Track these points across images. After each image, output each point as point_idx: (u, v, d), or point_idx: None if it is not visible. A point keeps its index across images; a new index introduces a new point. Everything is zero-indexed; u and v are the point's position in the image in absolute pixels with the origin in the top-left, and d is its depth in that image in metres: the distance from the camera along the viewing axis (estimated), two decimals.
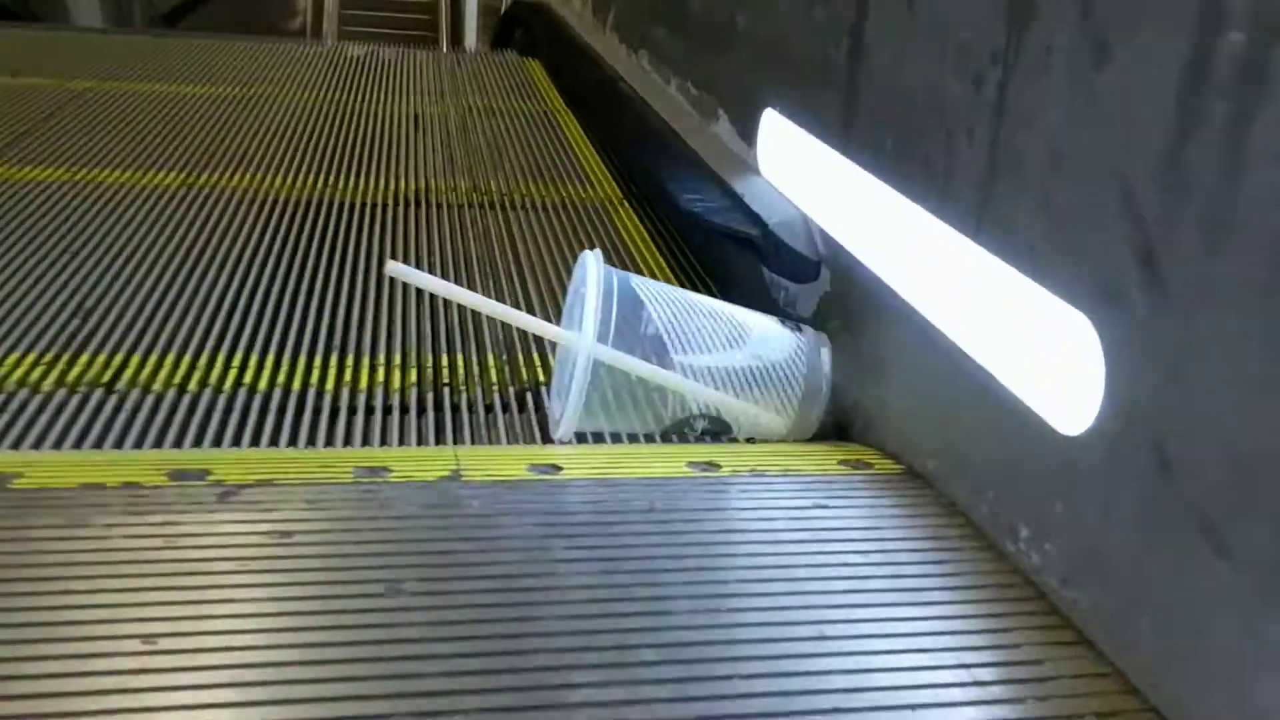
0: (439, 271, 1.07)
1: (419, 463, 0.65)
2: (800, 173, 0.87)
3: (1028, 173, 0.55)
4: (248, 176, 1.38)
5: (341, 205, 1.29)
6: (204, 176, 1.37)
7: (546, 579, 0.53)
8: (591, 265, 0.72)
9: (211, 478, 0.61)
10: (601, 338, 0.70)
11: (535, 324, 0.76)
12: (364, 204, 1.31)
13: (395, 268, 0.72)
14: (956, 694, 0.47)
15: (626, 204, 1.34)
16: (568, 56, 2.01)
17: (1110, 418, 0.49)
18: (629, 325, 0.71)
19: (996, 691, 0.48)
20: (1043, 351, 0.54)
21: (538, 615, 0.50)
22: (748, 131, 0.98)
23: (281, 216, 1.24)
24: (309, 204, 1.29)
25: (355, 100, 1.88)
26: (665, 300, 0.73)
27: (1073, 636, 0.52)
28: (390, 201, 1.32)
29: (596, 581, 0.53)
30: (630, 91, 1.43)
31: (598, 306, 0.70)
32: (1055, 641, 0.51)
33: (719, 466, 0.67)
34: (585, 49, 1.88)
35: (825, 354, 0.76)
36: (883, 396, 0.71)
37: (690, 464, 0.67)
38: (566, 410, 0.70)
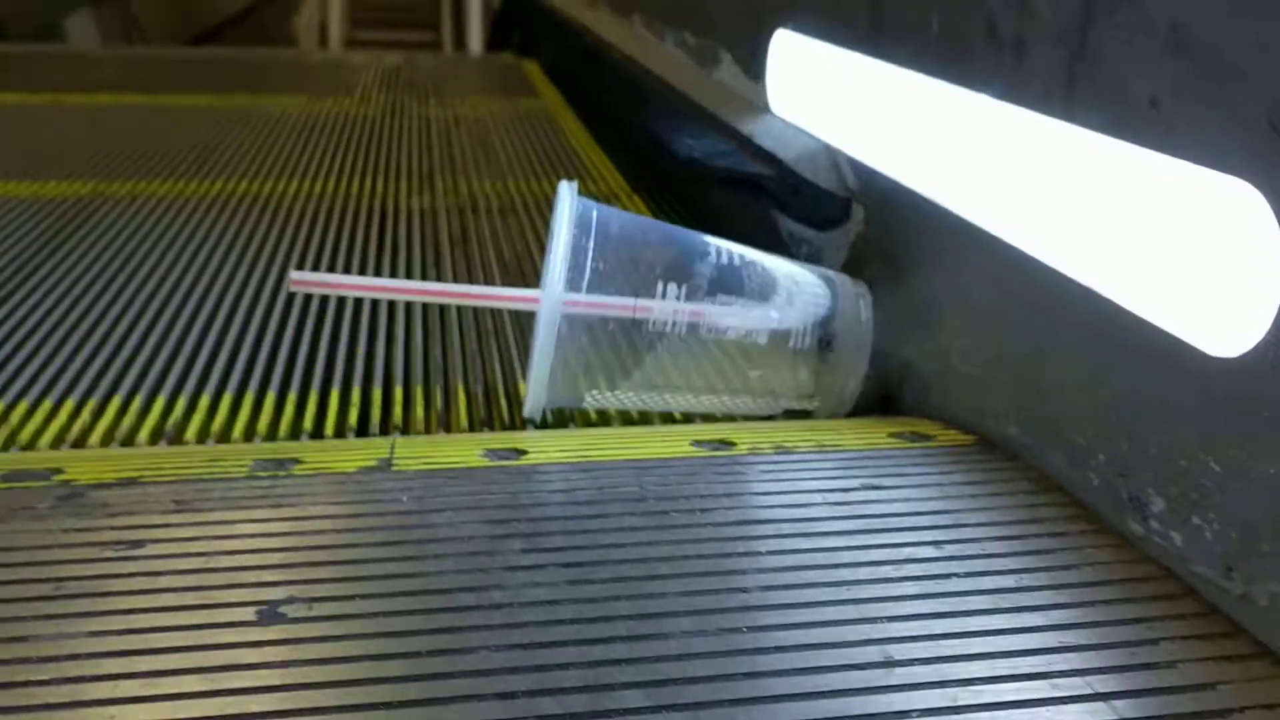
0: None
1: (341, 453, 0.50)
2: (821, 96, 0.72)
3: None
4: None
5: None
6: None
7: (491, 594, 0.37)
8: (565, 198, 0.56)
9: (60, 478, 0.46)
10: (574, 285, 0.54)
11: (491, 294, 0.61)
12: None
13: (299, 277, 0.57)
14: None
15: None
16: (567, 47, 1.86)
17: None
18: (615, 269, 0.56)
19: None
20: (1177, 245, 0.39)
21: (472, 646, 0.35)
22: (754, 67, 0.83)
23: None
24: None
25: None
26: (654, 234, 0.58)
27: (1250, 647, 0.36)
28: None
29: (562, 595, 0.37)
30: (622, 58, 1.28)
31: (568, 245, 0.54)
32: (1225, 656, 0.35)
33: (733, 444, 0.51)
34: (582, 32, 1.71)
35: (864, 305, 0.60)
36: (941, 351, 0.56)
37: (696, 443, 0.51)
38: (531, 377, 0.54)
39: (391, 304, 0.78)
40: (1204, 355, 0.37)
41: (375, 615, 0.36)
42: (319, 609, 0.36)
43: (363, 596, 0.37)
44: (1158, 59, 0.39)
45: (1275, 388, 0.34)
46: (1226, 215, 0.36)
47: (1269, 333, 0.34)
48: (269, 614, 0.36)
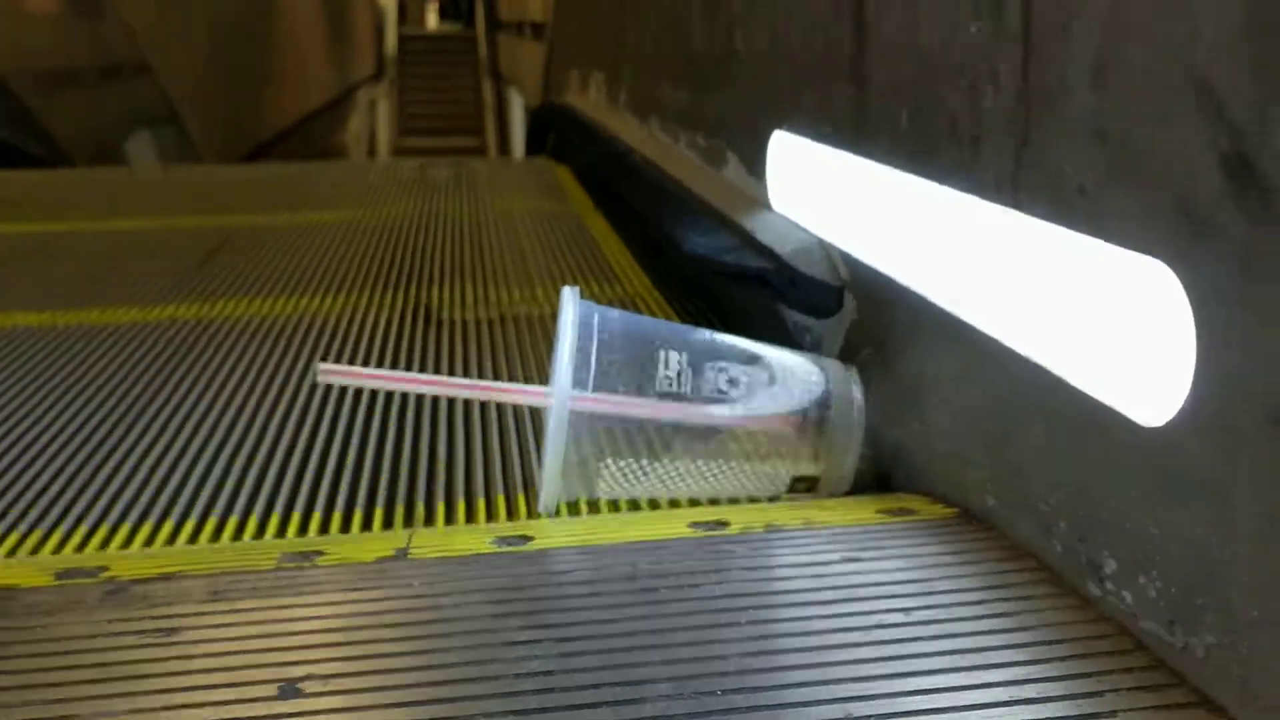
0: None
1: (362, 544, 0.54)
2: (813, 193, 0.76)
3: (1070, 94, 0.43)
4: None
5: None
6: None
7: (490, 667, 0.41)
8: (567, 302, 0.61)
9: (105, 575, 0.50)
10: (580, 384, 0.59)
11: (502, 390, 0.65)
12: None
13: (326, 369, 0.60)
14: None
15: None
16: (596, 151, 1.94)
17: (1210, 391, 0.37)
18: (622, 369, 0.60)
19: None
20: (1109, 322, 0.42)
21: (471, 714, 0.38)
22: (756, 165, 0.88)
23: None
24: None
25: None
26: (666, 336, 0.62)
27: (1189, 696, 0.38)
28: None
29: (554, 667, 0.41)
30: (641, 161, 1.34)
31: (572, 347, 0.59)
32: (1164, 705, 0.38)
33: (727, 524, 0.54)
34: (600, 131, 1.79)
35: (856, 389, 0.63)
36: (926, 431, 0.59)
37: (693, 524, 0.55)
38: (543, 475, 0.58)
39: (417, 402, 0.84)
40: (1136, 425, 0.40)
41: (385, 689, 0.40)
42: (334, 685, 0.40)
43: (374, 673, 0.41)
44: (1083, 149, 0.42)
45: (1196, 454, 0.37)
46: (1145, 293, 0.39)
47: (1186, 402, 0.37)
48: (289, 690, 0.40)
